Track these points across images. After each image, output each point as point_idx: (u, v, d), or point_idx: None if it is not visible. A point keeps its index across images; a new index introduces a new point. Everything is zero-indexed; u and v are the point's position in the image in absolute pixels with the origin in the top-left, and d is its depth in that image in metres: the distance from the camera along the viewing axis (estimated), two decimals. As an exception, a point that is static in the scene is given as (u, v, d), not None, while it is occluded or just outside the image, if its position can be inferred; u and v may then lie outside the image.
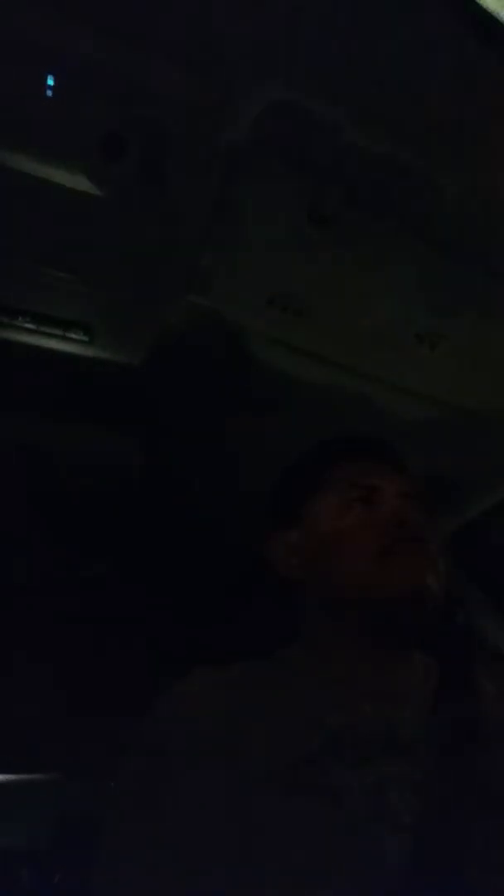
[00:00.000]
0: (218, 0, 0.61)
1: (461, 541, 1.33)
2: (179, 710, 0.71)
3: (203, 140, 0.71)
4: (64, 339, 0.93)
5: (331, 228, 0.81)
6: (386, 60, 0.65)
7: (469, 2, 0.58)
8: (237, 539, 0.96)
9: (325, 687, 0.74)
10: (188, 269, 0.86)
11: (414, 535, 0.79)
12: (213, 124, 0.70)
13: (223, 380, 1.05)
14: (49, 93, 0.67)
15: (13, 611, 1.27)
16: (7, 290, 0.88)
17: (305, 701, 0.72)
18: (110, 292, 0.89)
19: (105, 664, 1.30)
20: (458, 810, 0.65)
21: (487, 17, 0.59)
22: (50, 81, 0.67)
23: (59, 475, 1.20)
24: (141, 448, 1.16)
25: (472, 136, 0.71)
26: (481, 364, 1.01)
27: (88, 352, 0.96)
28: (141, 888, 0.61)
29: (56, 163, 0.73)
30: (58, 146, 0.72)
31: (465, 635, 0.91)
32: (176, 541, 1.33)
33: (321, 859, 0.60)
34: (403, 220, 0.80)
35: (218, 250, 0.84)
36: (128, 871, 0.63)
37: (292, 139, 0.71)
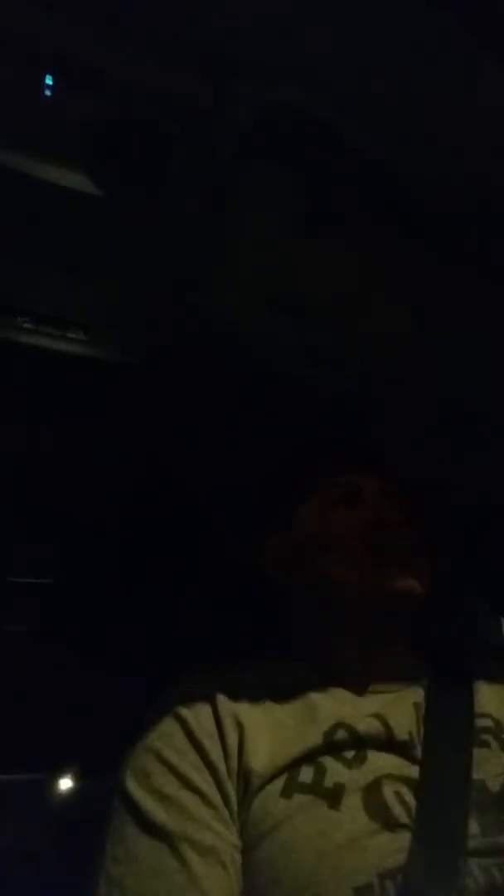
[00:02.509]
0: (218, 0, 0.61)
1: (459, 539, 1.33)
2: (178, 709, 0.71)
3: (203, 140, 0.71)
4: (64, 339, 0.93)
5: (331, 228, 0.81)
6: (385, 61, 0.65)
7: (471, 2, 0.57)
8: (229, 542, 0.96)
9: (321, 687, 0.74)
10: (188, 269, 0.86)
11: (398, 534, 0.79)
12: (212, 124, 0.70)
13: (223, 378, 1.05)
14: (47, 92, 0.67)
15: (13, 611, 1.27)
16: (7, 290, 0.88)
17: (301, 701, 0.72)
18: (110, 292, 0.89)
19: (102, 664, 1.30)
20: (455, 807, 0.65)
21: (487, 17, 0.59)
22: (48, 81, 0.67)
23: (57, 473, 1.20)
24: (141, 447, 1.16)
25: (471, 138, 0.71)
26: (482, 361, 1.01)
27: (88, 351, 0.96)
28: (136, 891, 0.61)
29: (55, 163, 0.73)
30: (57, 146, 0.72)
31: (462, 633, 0.91)
32: (173, 543, 1.32)
33: (320, 858, 0.60)
34: (403, 220, 0.80)
35: (218, 250, 0.84)
36: (124, 873, 0.63)
37: (292, 139, 0.71)
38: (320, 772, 0.66)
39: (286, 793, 0.64)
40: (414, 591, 0.76)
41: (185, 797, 0.65)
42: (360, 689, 0.75)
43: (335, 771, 0.66)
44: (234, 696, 0.72)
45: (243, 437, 1.15)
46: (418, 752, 0.69)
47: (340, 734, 0.69)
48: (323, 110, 0.69)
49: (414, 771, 0.68)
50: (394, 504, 0.83)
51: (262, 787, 0.65)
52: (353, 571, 0.78)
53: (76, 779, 1.28)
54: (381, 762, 0.68)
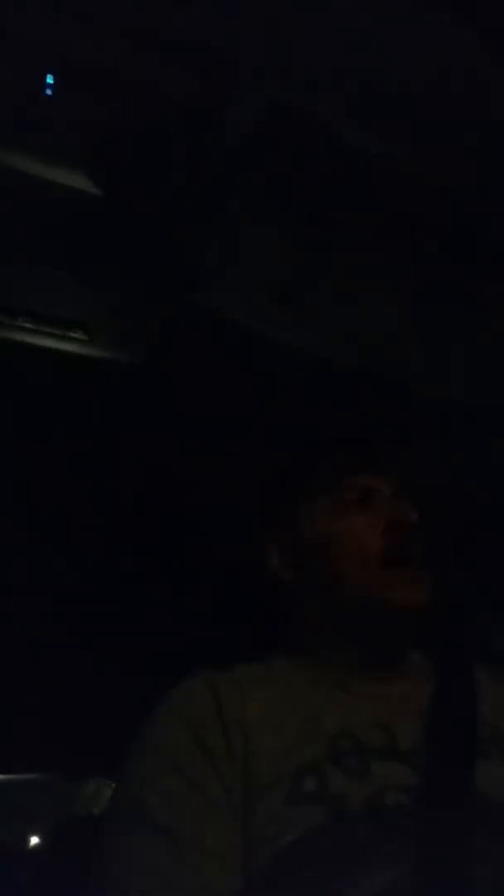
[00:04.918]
0: (218, 1, 0.61)
1: (461, 540, 1.33)
2: (182, 709, 0.71)
3: (203, 140, 0.71)
4: (64, 338, 0.93)
5: (331, 228, 0.81)
6: (385, 61, 0.65)
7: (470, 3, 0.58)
8: (235, 542, 0.96)
9: (324, 692, 0.74)
10: (188, 269, 0.86)
11: (410, 536, 0.79)
12: (213, 124, 0.70)
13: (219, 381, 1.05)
14: (49, 91, 0.67)
15: (14, 611, 1.27)
16: (7, 290, 0.88)
17: (305, 706, 0.72)
18: (110, 292, 0.89)
19: (105, 665, 1.30)
20: (458, 817, 0.65)
21: (488, 17, 0.59)
22: (50, 80, 0.67)
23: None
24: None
25: (472, 137, 0.71)
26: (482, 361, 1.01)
27: (88, 351, 0.96)
28: (138, 890, 0.61)
29: (55, 162, 0.73)
30: (57, 146, 0.72)
31: (466, 638, 0.90)
32: (176, 543, 1.32)
33: (323, 867, 0.60)
34: (404, 220, 0.80)
35: (218, 250, 0.84)
36: (125, 872, 0.63)
37: (292, 139, 0.71)
38: (323, 781, 0.66)
39: (289, 800, 0.64)
40: (421, 595, 0.76)
41: (190, 797, 0.64)
42: (363, 694, 0.74)
43: (338, 780, 0.66)
44: (239, 698, 0.71)
45: (244, 437, 1.15)
46: (421, 761, 0.69)
47: (343, 743, 0.68)
48: (323, 110, 0.69)
49: (417, 780, 0.67)
50: (406, 506, 0.83)
51: (265, 791, 0.64)
52: (363, 573, 0.77)
53: (76, 779, 1.28)
54: (384, 771, 0.68)
